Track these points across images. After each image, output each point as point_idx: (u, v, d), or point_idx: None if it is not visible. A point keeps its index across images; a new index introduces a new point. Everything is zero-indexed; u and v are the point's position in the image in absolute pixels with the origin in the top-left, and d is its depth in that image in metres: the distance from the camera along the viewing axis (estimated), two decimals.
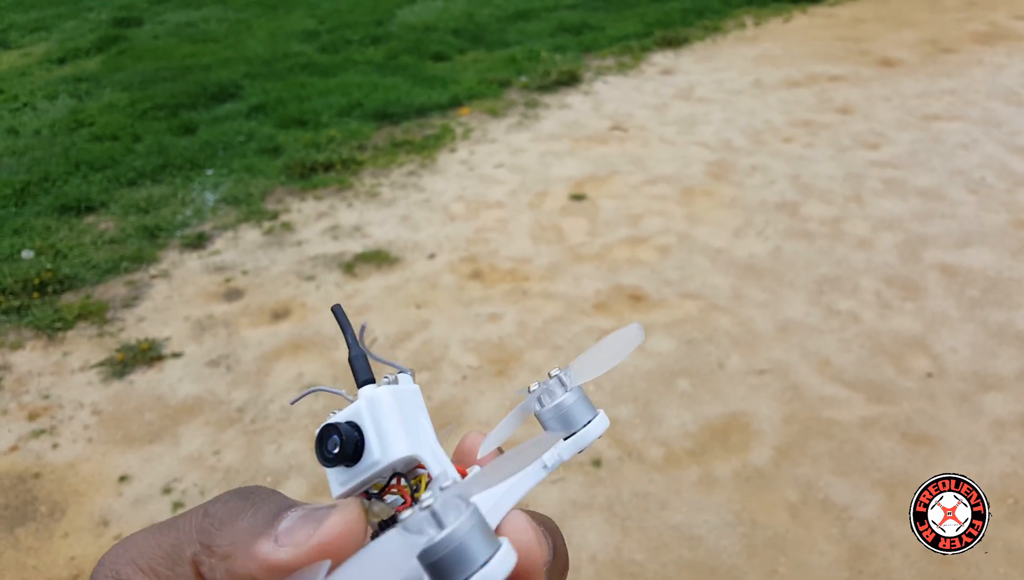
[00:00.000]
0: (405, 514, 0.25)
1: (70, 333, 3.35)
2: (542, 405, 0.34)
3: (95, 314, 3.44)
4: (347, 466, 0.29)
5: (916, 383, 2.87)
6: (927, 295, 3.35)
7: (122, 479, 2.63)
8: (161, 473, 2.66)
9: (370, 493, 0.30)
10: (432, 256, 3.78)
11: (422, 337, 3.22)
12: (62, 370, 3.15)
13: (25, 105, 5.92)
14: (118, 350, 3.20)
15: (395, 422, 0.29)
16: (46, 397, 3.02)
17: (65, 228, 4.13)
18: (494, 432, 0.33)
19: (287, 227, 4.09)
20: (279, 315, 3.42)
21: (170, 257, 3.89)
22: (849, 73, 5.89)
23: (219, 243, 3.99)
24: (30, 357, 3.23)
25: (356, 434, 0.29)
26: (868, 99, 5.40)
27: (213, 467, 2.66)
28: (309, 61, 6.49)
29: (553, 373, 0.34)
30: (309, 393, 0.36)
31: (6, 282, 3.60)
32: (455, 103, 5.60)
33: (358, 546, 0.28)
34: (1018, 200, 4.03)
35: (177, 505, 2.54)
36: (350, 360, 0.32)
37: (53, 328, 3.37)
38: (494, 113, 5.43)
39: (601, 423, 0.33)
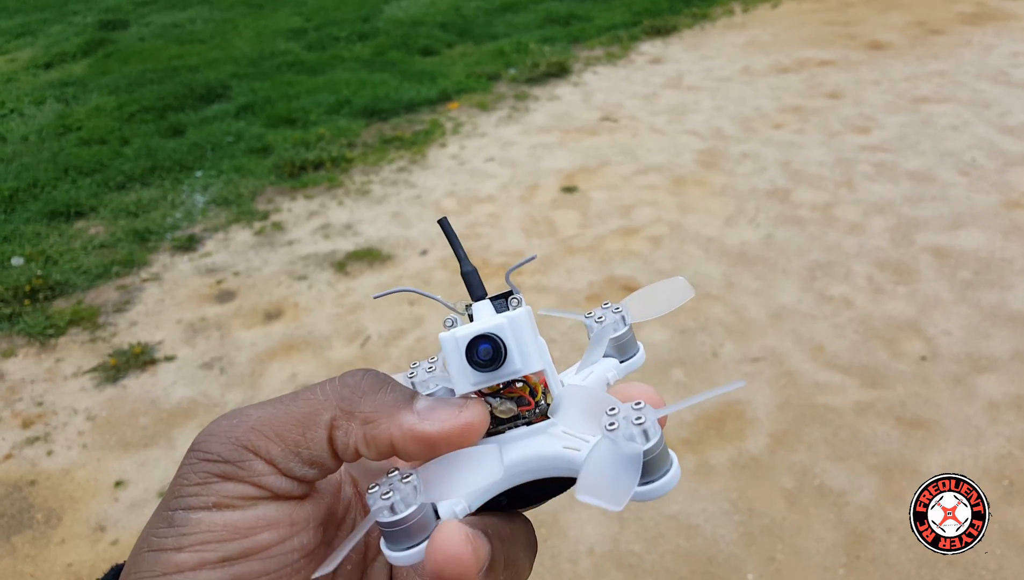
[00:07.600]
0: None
1: (62, 339, 3.33)
2: (611, 331, 0.41)
3: (87, 319, 3.42)
4: (486, 371, 0.34)
5: (910, 367, 2.87)
6: (919, 278, 3.34)
7: (118, 484, 2.62)
8: (157, 477, 2.64)
9: (485, 393, 0.35)
10: (424, 252, 3.77)
11: (415, 334, 3.21)
12: (55, 376, 3.13)
13: (12, 111, 5.88)
14: (111, 355, 3.18)
15: (532, 339, 0.35)
16: (40, 404, 3.00)
17: (55, 234, 4.11)
18: (587, 357, 0.40)
19: (278, 227, 4.07)
20: (272, 316, 3.40)
21: (161, 260, 3.87)
22: (838, 57, 5.88)
23: (210, 245, 3.96)
24: (23, 364, 3.21)
25: (501, 345, 0.34)
26: (857, 83, 5.38)
27: None
28: (296, 59, 6.47)
29: (612, 307, 0.41)
30: (397, 292, 0.41)
31: None
32: (444, 98, 5.59)
33: (479, 437, 0.34)
34: (1009, 180, 4.02)
35: None
36: (464, 275, 0.37)
37: (45, 335, 3.34)
38: (483, 107, 5.41)
39: (642, 357, 0.42)
